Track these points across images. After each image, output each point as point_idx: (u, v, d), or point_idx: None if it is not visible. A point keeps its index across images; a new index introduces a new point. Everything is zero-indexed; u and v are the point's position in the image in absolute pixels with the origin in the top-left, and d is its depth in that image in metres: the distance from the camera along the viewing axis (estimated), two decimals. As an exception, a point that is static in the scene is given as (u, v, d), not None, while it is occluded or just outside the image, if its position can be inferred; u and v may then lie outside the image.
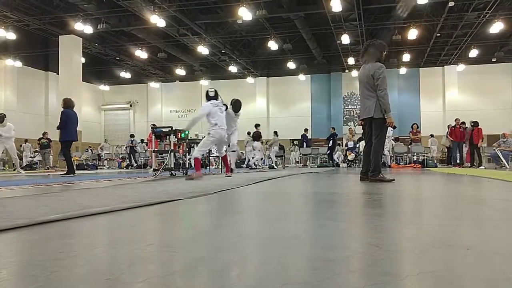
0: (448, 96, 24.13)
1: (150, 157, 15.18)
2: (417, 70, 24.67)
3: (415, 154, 15.39)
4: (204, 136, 7.25)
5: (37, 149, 18.44)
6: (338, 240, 1.50)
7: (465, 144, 14.23)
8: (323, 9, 15.61)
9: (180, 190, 3.86)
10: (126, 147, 19.74)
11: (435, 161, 16.16)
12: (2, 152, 10.55)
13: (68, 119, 8.89)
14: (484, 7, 15.86)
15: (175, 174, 8.12)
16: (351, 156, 15.73)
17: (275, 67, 25.29)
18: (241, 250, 1.33)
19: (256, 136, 14.80)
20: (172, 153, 7.94)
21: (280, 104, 26.84)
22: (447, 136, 15.23)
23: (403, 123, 19.63)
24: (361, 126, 5.69)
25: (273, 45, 19.24)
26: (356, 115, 24.35)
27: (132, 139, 19.05)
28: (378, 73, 5.04)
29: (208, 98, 7.04)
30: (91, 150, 21.45)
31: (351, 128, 18.57)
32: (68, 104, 9.07)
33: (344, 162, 16.76)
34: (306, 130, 19.38)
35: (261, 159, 15.41)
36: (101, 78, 27.43)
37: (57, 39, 19.56)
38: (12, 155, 10.78)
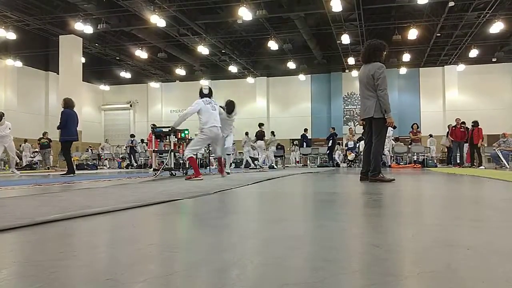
0: (448, 96, 24.13)
1: (150, 157, 15.18)
2: (417, 70, 24.67)
3: (415, 154, 15.39)
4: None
5: (37, 149, 18.45)
6: (338, 240, 1.50)
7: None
8: (323, 9, 15.61)
9: (180, 190, 3.86)
10: (126, 147, 19.75)
11: (435, 161, 16.16)
12: (3, 152, 10.54)
13: (68, 119, 8.89)
14: (484, 7, 15.86)
15: (175, 174, 8.12)
16: (351, 156, 15.73)
17: (275, 67, 25.29)
18: (241, 250, 1.33)
19: (260, 136, 14.85)
20: (172, 153, 7.94)
21: (280, 104, 26.85)
22: (447, 136, 15.23)
23: (403, 123, 19.63)
24: (362, 126, 5.69)
25: (273, 45, 19.24)
26: (356, 115, 24.37)
27: (132, 139, 19.06)
28: (378, 73, 5.04)
29: (202, 95, 6.86)
30: (91, 150, 21.45)
31: (351, 128, 18.57)
32: (68, 104, 9.07)
33: (344, 162, 16.76)
34: (306, 130, 19.39)
35: (263, 160, 15.42)
36: (101, 78, 27.43)
37: (57, 39, 19.56)
38: (11, 154, 10.78)
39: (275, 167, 15.61)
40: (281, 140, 20.47)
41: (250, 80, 26.13)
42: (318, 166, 16.58)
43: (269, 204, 2.98)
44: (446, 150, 16.65)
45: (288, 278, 0.98)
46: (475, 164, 13.44)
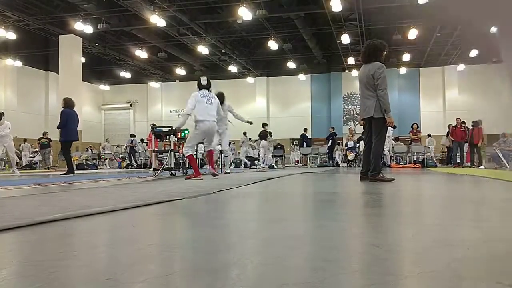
0: (448, 96, 24.13)
1: (150, 157, 15.19)
2: (417, 70, 24.66)
3: (415, 153, 15.39)
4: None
5: (37, 149, 18.45)
6: (338, 240, 1.50)
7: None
8: (323, 9, 15.61)
9: (180, 190, 3.85)
10: (126, 147, 19.76)
11: (435, 161, 16.17)
12: (2, 152, 10.54)
13: (68, 119, 8.89)
14: (484, 7, 15.83)
15: (175, 174, 8.12)
16: (351, 156, 15.74)
17: (275, 67, 25.29)
18: (241, 250, 1.33)
19: (263, 136, 14.90)
20: (172, 153, 7.94)
21: (280, 104, 26.85)
22: (447, 136, 15.23)
23: (403, 122, 19.62)
24: (362, 126, 5.70)
25: (273, 45, 19.24)
26: (356, 115, 24.37)
27: (132, 139, 19.07)
28: (378, 73, 5.04)
29: (200, 86, 6.65)
30: (91, 149, 21.46)
31: (351, 128, 18.57)
32: (68, 104, 9.07)
33: (344, 162, 16.77)
34: (305, 129, 19.40)
35: (263, 160, 15.43)
36: (101, 78, 27.43)
37: (57, 39, 19.56)
38: (10, 154, 10.78)
39: (275, 167, 15.62)
40: (281, 140, 20.47)
41: (250, 80, 26.13)
42: (318, 166, 16.58)
43: (269, 204, 2.98)
44: (446, 150, 16.65)
45: (288, 278, 0.98)
46: (475, 164, 13.45)
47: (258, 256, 1.24)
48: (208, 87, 6.69)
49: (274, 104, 26.96)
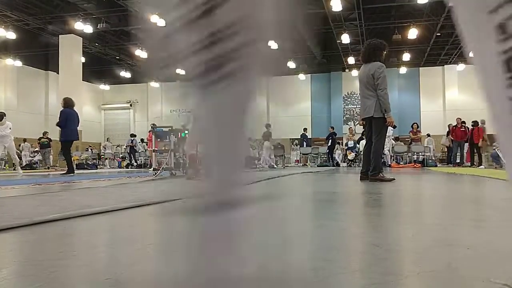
0: (448, 95, 24.12)
1: (150, 157, 15.19)
2: (417, 69, 24.66)
3: (415, 153, 15.39)
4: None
5: (37, 149, 18.45)
6: (338, 240, 1.50)
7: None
8: (323, 9, 15.61)
9: (180, 189, 3.85)
10: (126, 147, 19.76)
11: (435, 161, 16.17)
12: (3, 152, 10.54)
13: (68, 118, 8.89)
14: (484, 7, 15.85)
15: (175, 173, 8.12)
16: (351, 156, 15.73)
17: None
18: (240, 249, 1.33)
19: (266, 136, 14.94)
20: (172, 153, 7.94)
21: (280, 104, 26.85)
22: (447, 136, 15.23)
23: (403, 122, 19.62)
24: (362, 126, 5.70)
25: (273, 44, 19.22)
26: (356, 115, 24.36)
27: (133, 138, 19.08)
28: (378, 73, 5.05)
29: None
30: (91, 149, 21.46)
31: (351, 127, 18.56)
32: (68, 104, 9.08)
33: (344, 162, 16.77)
34: (305, 129, 19.39)
35: (267, 160, 15.44)
36: (101, 78, 27.42)
37: (57, 39, 19.56)
38: (12, 154, 10.77)
39: (275, 166, 15.62)
40: (281, 139, 20.46)
41: (250, 79, 26.11)
42: (318, 166, 16.58)
43: (269, 204, 2.98)
44: (446, 149, 16.65)
45: (288, 278, 0.97)
46: (475, 164, 13.44)
47: (258, 256, 1.24)
48: None
49: (274, 103, 26.96)
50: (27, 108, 22.68)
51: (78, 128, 9.27)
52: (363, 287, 0.90)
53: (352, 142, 15.95)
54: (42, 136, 17.52)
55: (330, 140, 16.88)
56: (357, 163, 15.18)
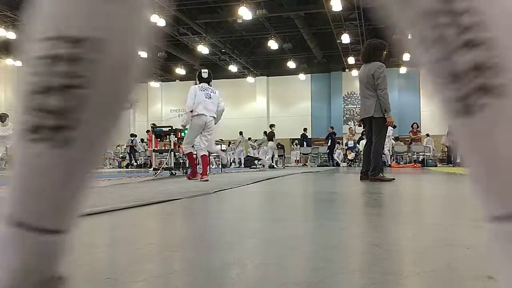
0: (448, 95, 24.12)
1: (150, 157, 15.20)
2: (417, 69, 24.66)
3: (415, 153, 15.39)
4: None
5: (37, 149, 18.45)
6: (338, 240, 1.50)
7: None
8: (323, 9, 15.61)
9: (180, 189, 3.85)
10: (126, 147, 19.77)
11: (435, 161, 16.17)
12: (4, 152, 10.55)
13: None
14: (484, 7, 15.85)
15: (175, 173, 8.12)
16: (351, 156, 15.74)
17: (275, 66, 25.28)
18: (241, 249, 1.33)
19: (270, 136, 14.97)
20: (172, 153, 7.95)
21: (280, 104, 26.84)
22: (447, 135, 15.23)
23: (403, 122, 19.62)
24: (361, 126, 5.70)
25: (273, 44, 19.24)
26: (356, 115, 24.36)
27: (133, 138, 19.09)
28: (378, 73, 5.05)
29: (200, 79, 6.34)
30: (91, 149, 21.44)
31: (351, 127, 18.56)
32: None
33: (344, 162, 16.77)
34: (305, 129, 19.41)
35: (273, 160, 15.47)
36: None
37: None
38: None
39: (275, 166, 15.63)
40: (281, 139, 20.47)
41: (250, 79, 26.13)
42: (318, 166, 16.59)
43: (269, 204, 2.98)
44: (446, 149, 16.66)
45: (288, 278, 0.97)
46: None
47: (258, 256, 1.24)
48: (208, 80, 6.39)
49: (274, 103, 26.95)
50: (27, 108, 22.69)
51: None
52: (363, 287, 0.90)
53: (352, 142, 15.95)
54: (42, 136, 17.51)
55: (330, 140, 16.89)
56: (357, 163, 15.18)
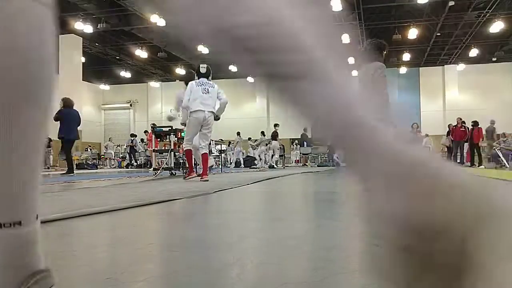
0: (448, 95, 24.12)
1: (150, 157, 15.21)
2: (417, 69, 24.66)
3: (415, 153, 15.37)
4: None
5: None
6: (338, 240, 1.50)
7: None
8: (323, 9, 15.60)
9: (180, 189, 3.85)
10: (126, 147, 19.79)
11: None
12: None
13: (69, 119, 8.91)
14: (484, 7, 15.86)
15: (175, 173, 8.12)
16: (351, 156, 15.74)
17: (275, 66, 25.27)
18: (241, 249, 1.33)
19: (273, 136, 15.00)
20: (172, 153, 7.95)
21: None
22: (447, 136, 15.24)
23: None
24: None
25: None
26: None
27: (133, 138, 19.11)
28: (378, 73, 5.05)
29: (198, 75, 6.20)
30: (90, 149, 21.47)
31: (351, 127, 18.53)
32: (67, 103, 9.11)
33: (344, 162, 16.77)
34: (305, 129, 19.38)
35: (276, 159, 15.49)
36: (101, 78, 27.42)
37: (57, 39, 19.52)
38: None
39: (275, 166, 15.63)
40: (281, 139, 20.47)
41: (250, 79, 26.15)
42: (318, 166, 16.59)
43: (269, 204, 2.98)
44: (446, 149, 16.65)
45: (288, 278, 0.97)
46: (475, 164, 13.45)
47: (258, 256, 1.24)
48: (207, 75, 6.23)
49: (274, 103, 26.95)
50: (27, 108, 22.66)
51: (79, 128, 9.30)
52: (363, 287, 0.90)
53: (352, 142, 15.96)
54: (42, 136, 17.50)
55: (329, 140, 16.90)
56: (357, 163, 15.15)
